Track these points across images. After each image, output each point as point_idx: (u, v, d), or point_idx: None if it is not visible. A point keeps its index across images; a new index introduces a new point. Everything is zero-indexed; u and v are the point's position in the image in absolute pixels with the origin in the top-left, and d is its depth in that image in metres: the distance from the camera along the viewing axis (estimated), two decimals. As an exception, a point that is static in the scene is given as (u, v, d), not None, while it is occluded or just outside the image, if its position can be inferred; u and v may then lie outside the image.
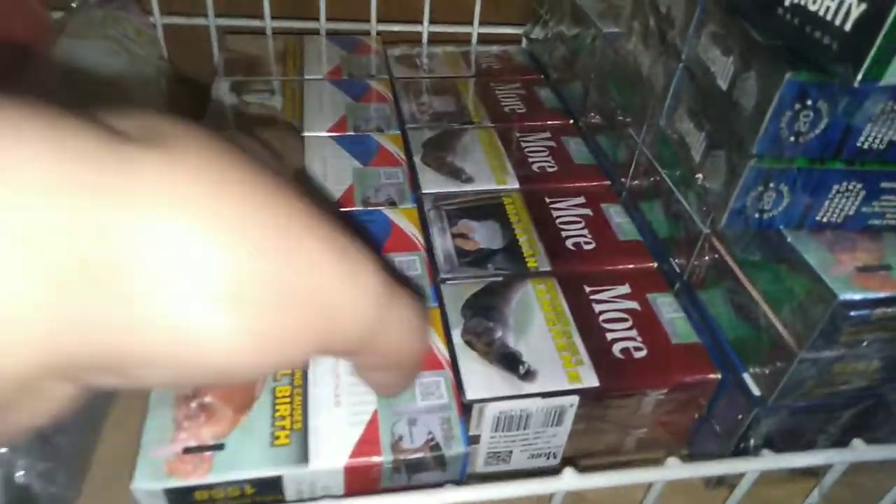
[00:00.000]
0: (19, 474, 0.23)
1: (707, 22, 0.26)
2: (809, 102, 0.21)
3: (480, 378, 0.28)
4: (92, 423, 0.27)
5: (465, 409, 0.27)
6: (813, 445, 0.30)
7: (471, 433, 0.28)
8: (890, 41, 0.18)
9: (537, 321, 0.30)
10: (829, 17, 0.20)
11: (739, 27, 0.23)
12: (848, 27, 0.19)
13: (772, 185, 0.23)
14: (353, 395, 0.27)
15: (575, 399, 0.28)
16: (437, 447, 0.25)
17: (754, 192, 0.24)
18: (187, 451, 0.24)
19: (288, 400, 0.26)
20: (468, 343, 0.29)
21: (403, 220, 0.35)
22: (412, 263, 0.32)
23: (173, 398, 0.26)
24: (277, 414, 0.26)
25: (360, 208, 0.35)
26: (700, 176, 0.26)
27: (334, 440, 0.25)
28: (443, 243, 0.34)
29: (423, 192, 0.37)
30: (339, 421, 0.26)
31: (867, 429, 0.29)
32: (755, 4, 0.23)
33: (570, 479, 0.24)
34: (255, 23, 0.50)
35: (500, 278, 0.32)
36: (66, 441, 0.25)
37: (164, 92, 0.42)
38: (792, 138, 0.22)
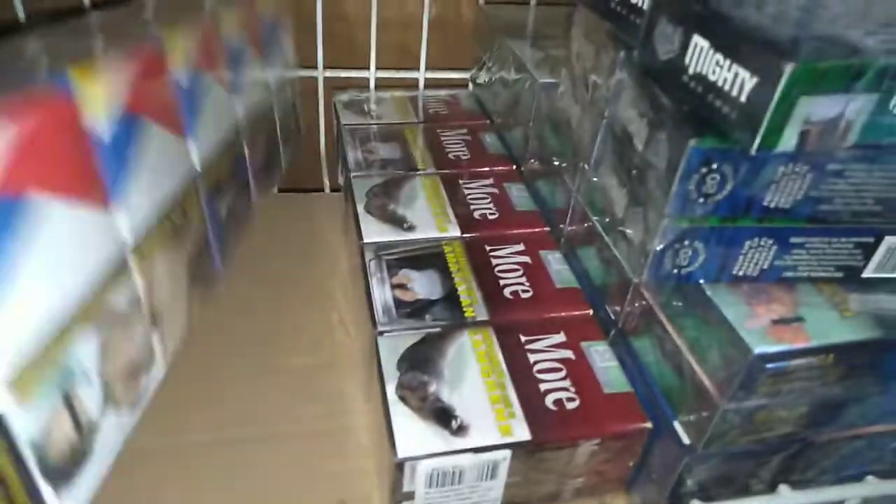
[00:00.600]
0: None
1: (625, 83, 0.27)
2: (715, 167, 0.22)
3: (413, 435, 0.27)
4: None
5: (397, 466, 0.27)
6: (746, 489, 0.30)
7: (405, 490, 0.28)
8: (780, 111, 0.19)
9: (472, 373, 0.30)
10: (726, 88, 0.21)
11: (650, 92, 0.24)
12: (743, 98, 0.20)
13: (686, 242, 0.24)
14: None
15: (507, 453, 0.28)
16: None
17: (670, 248, 0.24)
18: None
19: None
20: (402, 398, 0.29)
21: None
22: None
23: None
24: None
25: None
26: (623, 230, 0.27)
27: None
28: (381, 294, 0.34)
29: (365, 241, 0.37)
30: None
31: (796, 471, 0.30)
32: (664, 70, 0.24)
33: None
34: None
35: (437, 329, 0.32)
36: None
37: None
38: (701, 199, 0.23)
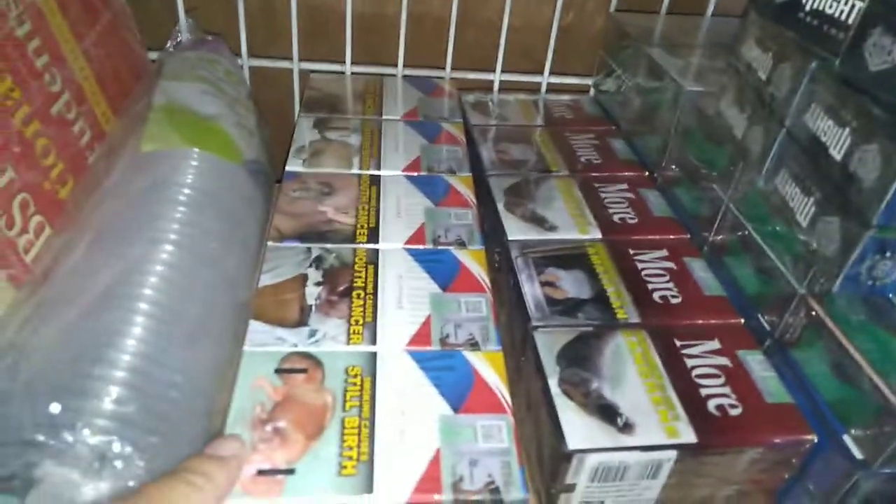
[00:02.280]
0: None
1: (817, 93, 0.27)
2: (933, 177, 0.22)
3: (580, 428, 0.28)
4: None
5: (565, 458, 0.27)
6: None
7: (567, 482, 0.28)
8: None
9: (631, 373, 0.31)
10: (959, 99, 0.21)
11: (856, 101, 0.24)
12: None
13: (888, 254, 0.24)
14: (417, 430, 0.27)
15: (673, 454, 0.28)
16: (496, 491, 0.25)
17: (870, 260, 0.24)
18: (261, 472, 0.25)
19: (356, 431, 0.27)
20: (565, 392, 0.29)
21: (471, 261, 0.36)
22: (478, 305, 0.33)
23: (251, 420, 0.27)
24: (346, 444, 0.26)
25: (430, 247, 0.36)
26: (806, 240, 0.27)
27: (398, 475, 0.26)
28: (532, 290, 0.34)
29: (509, 238, 0.38)
30: (403, 456, 0.26)
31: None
32: (875, 81, 0.24)
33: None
34: (336, 67, 0.52)
35: (590, 328, 0.33)
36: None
37: (254, 132, 0.44)
38: (913, 210, 0.23)
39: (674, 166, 0.41)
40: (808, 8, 0.28)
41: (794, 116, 0.28)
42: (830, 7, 0.26)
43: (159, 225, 0.33)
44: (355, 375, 0.29)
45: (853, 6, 0.25)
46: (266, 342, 0.31)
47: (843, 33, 0.25)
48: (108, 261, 0.30)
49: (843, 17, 0.25)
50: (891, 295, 0.25)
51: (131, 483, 0.24)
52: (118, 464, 0.24)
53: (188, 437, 0.27)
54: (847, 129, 0.25)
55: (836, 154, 0.25)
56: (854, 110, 0.24)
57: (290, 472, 0.26)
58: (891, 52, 0.23)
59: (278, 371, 0.29)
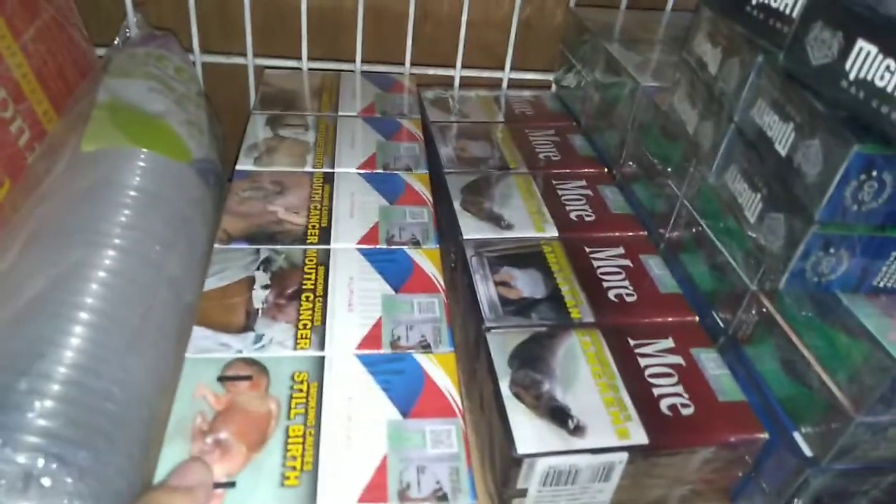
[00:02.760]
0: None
1: (763, 87, 0.26)
2: (875, 173, 0.22)
3: (530, 432, 0.27)
4: (146, 465, 0.27)
5: (515, 462, 0.27)
6: (858, 507, 0.30)
7: (518, 486, 0.28)
8: (962, 120, 0.19)
9: (583, 374, 0.30)
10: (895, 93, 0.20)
11: (800, 96, 0.24)
12: (919, 104, 0.20)
13: (832, 250, 0.24)
14: (364, 437, 0.27)
15: (624, 456, 0.27)
16: (444, 497, 0.25)
17: (814, 256, 0.24)
18: None
19: (300, 440, 0.26)
20: (516, 395, 0.29)
21: (426, 260, 0.35)
22: (431, 305, 0.32)
23: (191, 431, 0.26)
24: (289, 454, 0.26)
25: (384, 247, 0.36)
26: (755, 236, 0.27)
27: (343, 484, 0.25)
28: (486, 291, 0.34)
29: (464, 237, 0.37)
30: (348, 464, 0.26)
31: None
32: (817, 75, 0.23)
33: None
34: (292, 63, 0.51)
35: (544, 328, 0.32)
36: (121, 485, 0.25)
37: (204, 130, 0.43)
38: (855, 207, 0.22)
39: (631, 162, 0.41)
40: (754, 2, 0.27)
41: (741, 111, 0.28)
42: (775, 0, 0.26)
43: (100, 227, 0.31)
44: (301, 381, 0.29)
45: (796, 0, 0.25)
46: (210, 348, 0.30)
47: (787, 27, 0.25)
48: (43, 265, 0.29)
49: (787, 10, 0.25)
50: (837, 291, 0.25)
51: (63, 501, 0.23)
52: (45, 481, 0.23)
53: (124, 448, 0.26)
54: (791, 124, 0.24)
55: (781, 149, 0.25)
56: (797, 105, 0.24)
57: (231, 485, 0.25)
58: (831, 47, 0.23)
59: (221, 378, 0.28)
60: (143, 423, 0.28)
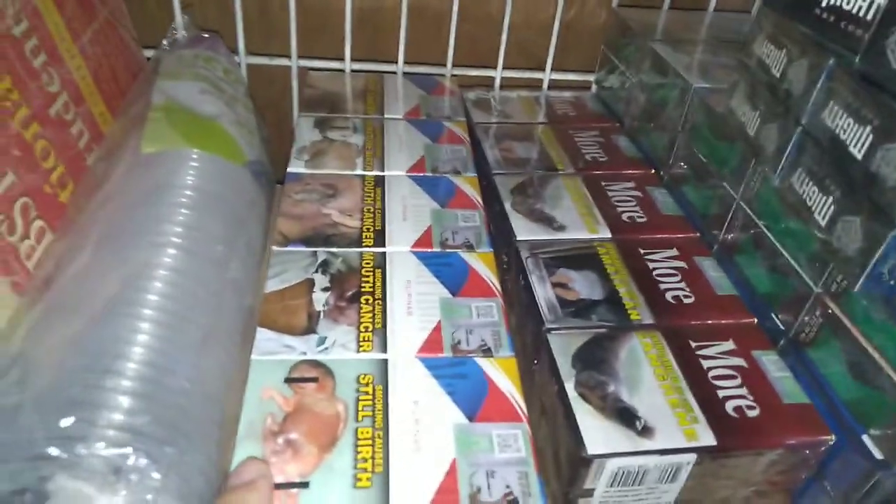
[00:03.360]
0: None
1: (835, 90, 0.26)
2: (961, 178, 0.22)
3: (598, 432, 0.28)
4: (222, 465, 0.28)
5: (584, 463, 0.27)
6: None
7: (585, 486, 0.28)
8: None
9: (647, 375, 0.30)
10: None
11: (878, 99, 0.24)
12: None
13: (912, 254, 0.24)
14: (432, 440, 0.27)
15: (692, 457, 0.28)
16: (515, 502, 0.25)
17: (893, 259, 0.24)
18: (276, 486, 0.25)
19: (370, 442, 0.27)
20: (582, 396, 0.29)
21: (480, 264, 0.35)
22: (489, 310, 0.33)
23: (262, 432, 0.26)
24: (360, 455, 0.26)
25: (438, 250, 0.36)
26: (825, 238, 0.27)
27: (415, 487, 0.25)
28: (544, 292, 0.34)
29: (518, 239, 0.37)
30: (419, 467, 0.26)
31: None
32: (897, 78, 0.23)
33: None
34: (335, 64, 0.52)
35: (604, 330, 0.32)
36: (201, 484, 0.25)
37: (254, 131, 0.43)
38: (939, 210, 0.22)
39: (682, 164, 0.41)
40: (824, 4, 0.27)
41: (810, 114, 0.28)
42: (848, 3, 0.26)
43: (163, 228, 0.32)
44: (367, 384, 0.29)
45: (872, 2, 0.25)
46: (274, 350, 0.30)
47: (863, 30, 0.25)
48: (112, 266, 0.30)
49: (862, 13, 0.25)
50: (912, 295, 0.25)
51: (148, 496, 0.23)
52: (133, 476, 0.23)
53: (202, 446, 0.26)
54: (868, 128, 0.24)
55: (857, 153, 0.25)
56: (876, 108, 0.24)
57: (305, 485, 0.25)
58: (916, 50, 0.23)
59: (288, 380, 0.29)
60: (216, 422, 0.28)
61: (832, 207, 0.26)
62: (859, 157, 0.25)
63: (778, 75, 0.30)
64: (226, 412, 0.29)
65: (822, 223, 0.27)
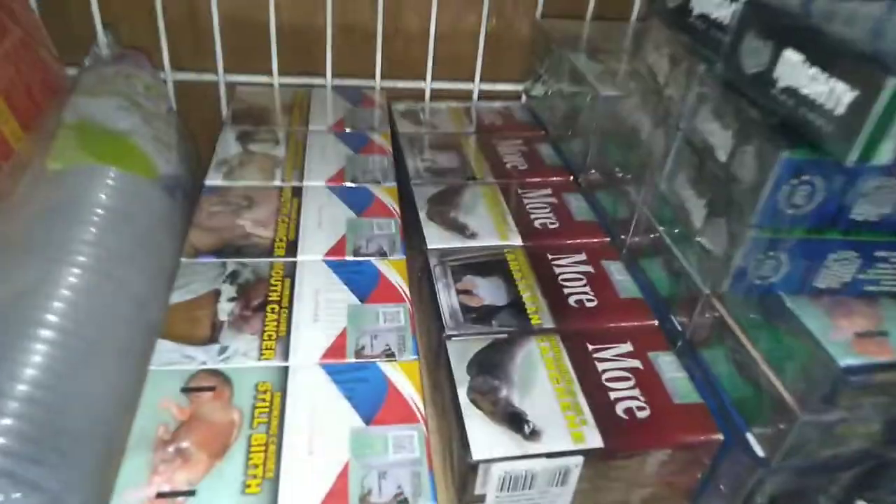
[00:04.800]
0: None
1: (705, 95, 0.27)
2: (806, 178, 0.22)
3: (486, 437, 0.28)
4: (103, 480, 0.27)
5: (471, 468, 0.27)
6: (816, 505, 0.30)
7: (476, 492, 0.28)
8: (880, 125, 0.20)
9: (541, 379, 0.31)
10: (820, 101, 0.21)
11: (736, 104, 0.25)
12: (840, 111, 0.20)
13: (771, 253, 0.24)
14: (326, 445, 0.27)
15: (580, 459, 0.28)
16: (405, 502, 0.25)
17: (754, 259, 0.24)
18: (160, 495, 0.25)
19: (262, 448, 0.27)
20: (473, 402, 0.29)
21: (392, 271, 0.35)
22: (396, 315, 0.33)
23: (153, 441, 0.26)
24: (251, 462, 0.26)
25: (351, 258, 0.36)
26: (701, 240, 0.27)
27: (304, 491, 0.25)
28: (448, 299, 0.34)
29: (429, 247, 0.38)
30: (310, 471, 0.26)
31: (868, 488, 0.30)
32: (751, 83, 0.24)
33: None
34: (263, 79, 0.52)
35: (504, 335, 0.33)
36: (75, 500, 0.25)
37: (172, 146, 0.43)
38: (789, 210, 0.23)
39: (594, 170, 0.42)
40: (695, 12, 0.28)
41: (687, 119, 0.29)
42: (714, 11, 0.27)
43: (63, 245, 0.32)
44: (265, 391, 0.29)
45: (733, 10, 0.25)
46: (173, 361, 0.30)
47: (725, 36, 0.26)
48: (4, 282, 0.30)
49: (725, 20, 0.26)
50: (781, 293, 0.26)
51: None
52: None
53: (80, 464, 0.26)
54: (730, 132, 0.25)
55: (722, 156, 0.26)
56: (734, 112, 0.25)
57: (191, 493, 0.25)
58: (762, 56, 0.23)
59: (185, 390, 0.29)
60: (101, 438, 0.28)
61: (704, 210, 0.27)
62: (724, 160, 0.25)
63: (662, 82, 0.31)
64: (118, 427, 0.29)
65: (698, 226, 0.28)
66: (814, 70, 0.21)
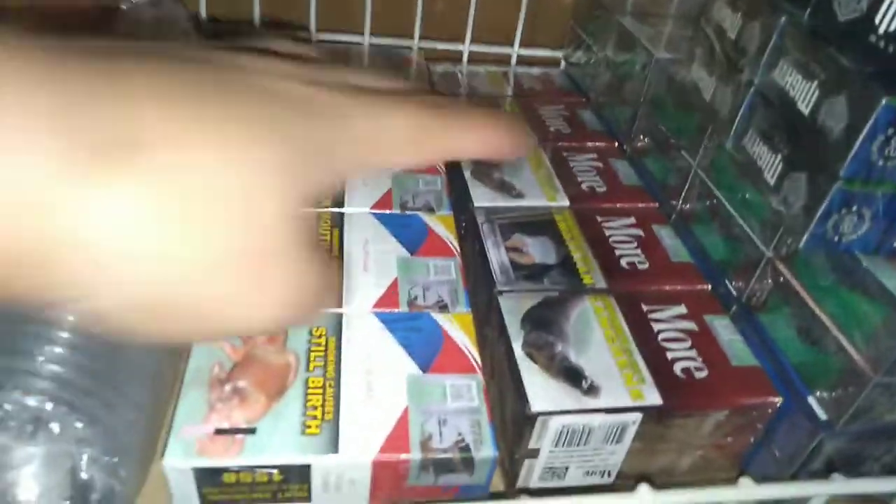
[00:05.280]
0: (83, 468, 0.23)
1: (786, 48, 0.26)
2: (903, 128, 0.22)
3: (544, 391, 0.27)
4: (155, 419, 0.27)
5: (528, 420, 0.27)
6: (870, 472, 0.30)
7: (531, 446, 0.28)
8: None
9: (596, 337, 0.30)
10: (929, 45, 0.20)
11: (825, 53, 0.24)
12: (951, 55, 0.20)
13: (855, 208, 0.24)
14: (384, 390, 0.27)
15: (638, 416, 0.27)
16: (466, 449, 0.25)
17: (837, 215, 0.24)
18: (219, 432, 0.24)
19: (320, 391, 0.26)
20: (529, 355, 0.29)
21: (440, 226, 0.35)
22: (447, 268, 0.33)
23: (208, 379, 0.26)
24: (309, 403, 0.26)
25: (398, 212, 0.36)
26: (774, 199, 0.27)
27: (364, 433, 0.25)
28: (498, 256, 0.34)
29: (476, 205, 0.37)
30: (370, 415, 0.26)
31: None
32: (845, 32, 0.23)
33: (646, 496, 0.23)
34: (301, 33, 0.51)
35: (556, 293, 0.32)
36: (130, 436, 0.25)
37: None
38: (881, 162, 0.22)
39: (643, 136, 0.41)
40: (778, -37, 0.27)
41: (762, 74, 0.28)
42: (800, -39, 0.26)
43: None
44: (319, 336, 0.28)
45: (825, -43, 0.25)
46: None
47: (816, -15, 0.25)
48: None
49: (815, -32, 0.25)
50: (857, 252, 0.25)
51: (70, 448, 0.23)
52: (54, 426, 0.22)
53: (133, 400, 0.26)
54: (815, 82, 0.24)
55: (804, 108, 0.25)
56: (822, 62, 0.24)
57: (251, 431, 0.25)
58: (860, 1, 0.23)
59: None
60: (151, 376, 0.27)
61: (780, 166, 0.26)
62: (806, 112, 0.25)
63: (733, 38, 0.30)
64: (167, 366, 0.28)
65: (772, 183, 0.27)
66: (921, 14, 0.21)
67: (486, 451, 0.25)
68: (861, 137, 0.22)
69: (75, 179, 0.12)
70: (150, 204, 0.13)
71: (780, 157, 0.26)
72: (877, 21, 0.22)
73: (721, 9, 0.31)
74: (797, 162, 0.25)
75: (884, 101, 0.21)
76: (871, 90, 0.21)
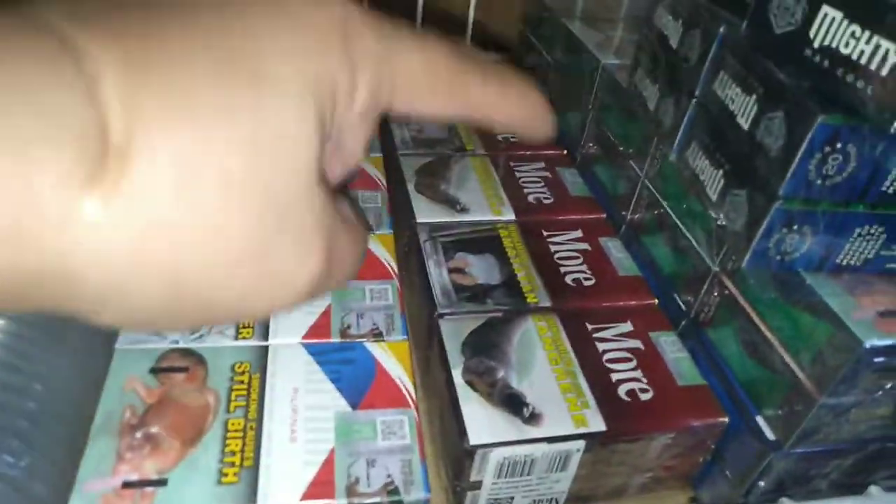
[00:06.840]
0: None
1: (725, 60, 0.25)
2: (839, 146, 0.21)
3: (483, 421, 0.26)
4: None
5: (467, 454, 0.26)
6: (817, 490, 0.29)
7: (472, 479, 0.27)
8: (930, 86, 0.18)
9: (540, 360, 0.29)
10: (862, 62, 0.19)
11: (762, 67, 0.23)
12: (884, 72, 0.19)
13: (795, 227, 0.23)
14: (310, 431, 0.25)
15: (581, 444, 0.26)
16: (395, 492, 0.23)
17: (778, 233, 0.23)
18: (127, 485, 0.23)
19: (240, 434, 0.25)
20: (469, 384, 0.27)
21: (378, 245, 0.33)
22: (384, 292, 0.31)
23: (118, 426, 0.24)
24: (227, 449, 0.24)
25: None
26: (717, 215, 0.26)
27: (286, 481, 0.23)
28: (440, 277, 0.32)
29: (418, 220, 0.36)
30: (292, 459, 0.24)
31: (867, 473, 0.29)
32: (780, 45, 0.22)
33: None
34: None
35: (499, 314, 0.31)
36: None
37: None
38: (819, 181, 0.21)
39: (592, 143, 0.40)
40: (715, -30, 0.26)
41: (703, 85, 0.27)
42: (737, -32, 0.25)
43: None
44: (242, 372, 0.27)
45: (760, -35, 0.24)
46: (142, 339, 0.28)
47: (751, -6, 0.24)
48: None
49: (749, -23, 0.24)
50: (800, 270, 0.24)
51: None
52: None
53: (45, 449, 0.24)
54: (754, 97, 0.23)
55: (744, 123, 0.24)
56: (760, 76, 0.23)
57: (162, 483, 0.23)
58: (795, 13, 0.22)
59: (154, 370, 0.27)
60: (66, 423, 0.25)
61: (721, 181, 0.25)
62: (745, 127, 0.24)
63: (675, 47, 0.29)
64: (85, 410, 0.27)
65: (714, 198, 0.26)
66: (855, 27, 0.20)
67: (416, 493, 0.23)
68: (798, 156, 0.21)
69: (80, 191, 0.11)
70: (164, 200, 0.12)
71: (721, 172, 0.25)
72: (811, 35, 0.21)
73: (663, 16, 0.30)
74: (738, 178, 0.24)
75: (819, 120, 0.20)
76: (807, 108, 0.21)
